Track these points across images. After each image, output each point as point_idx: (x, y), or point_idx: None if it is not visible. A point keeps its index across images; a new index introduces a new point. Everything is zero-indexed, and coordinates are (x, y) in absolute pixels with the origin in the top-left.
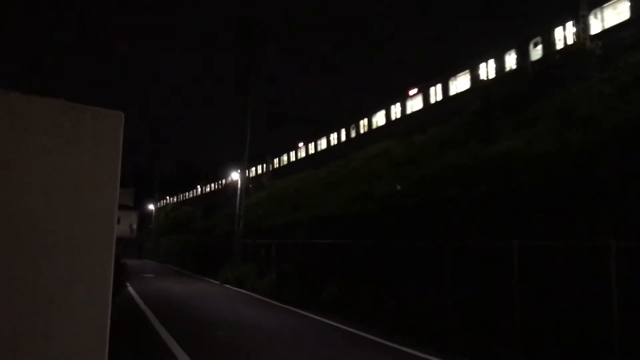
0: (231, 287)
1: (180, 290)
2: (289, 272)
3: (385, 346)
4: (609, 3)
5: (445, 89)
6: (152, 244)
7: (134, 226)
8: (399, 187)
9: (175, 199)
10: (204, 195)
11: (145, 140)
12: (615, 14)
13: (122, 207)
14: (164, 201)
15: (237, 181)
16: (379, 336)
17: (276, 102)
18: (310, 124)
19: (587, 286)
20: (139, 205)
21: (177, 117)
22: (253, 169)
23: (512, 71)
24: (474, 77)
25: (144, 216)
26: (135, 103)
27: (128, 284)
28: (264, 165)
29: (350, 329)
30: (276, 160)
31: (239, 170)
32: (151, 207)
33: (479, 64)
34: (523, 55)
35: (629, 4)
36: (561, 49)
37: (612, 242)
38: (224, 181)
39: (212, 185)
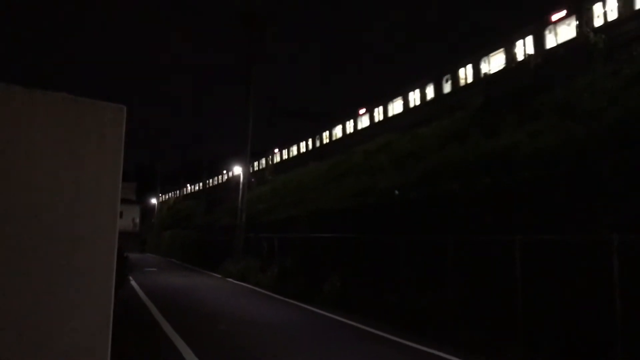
0: (233, 281)
1: (183, 284)
2: (291, 266)
3: (387, 339)
4: None
5: (385, 111)
6: (154, 238)
7: (137, 220)
8: (397, 192)
9: (177, 193)
10: (206, 189)
11: (147, 134)
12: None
13: (124, 201)
14: (166, 195)
15: (239, 175)
16: (381, 330)
17: (278, 96)
18: (312, 119)
19: (589, 280)
20: (142, 200)
21: (180, 112)
22: (256, 162)
23: (430, 100)
24: (405, 103)
25: (147, 210)
26: (138, 97)
27: (131, 278)
28: (267, 159)
29: (353, 323)
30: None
31: (241, 164)
32: (153, 201)
33: (409, 92)
34: (438, 88)
35: None
36: (464, 85)
37: (615, 235)
38: (226, 175)
39: (215, 179)
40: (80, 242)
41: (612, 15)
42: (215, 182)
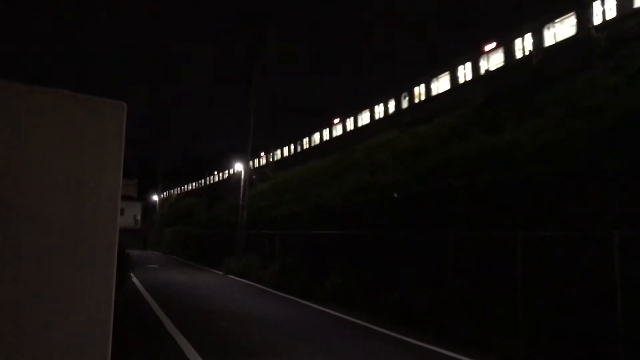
0: (235, 278)
1: (184, 281)
2: (293, 263)
3: (388, 336)
4: None
5: (355, 121)
6: (155, 235)
7: (138, 217)
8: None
9: (178, 190)
10: (207, 186)
11: (148, 131)
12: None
13: (125, 198)
14: (168, 192)
15: (240, 172)
16: (382, 326)
17: (279, 93)
18: (314, 116)
19: (590, 276)
20: (143, 197)
21: (181, 108)
22: (257, 159)
23: (392, 113)
24: (372, 115)
25: (148, 207)
26: (139, 94)
27: (132, 275)
28: (268, 156)
29: (354, 320)
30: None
31: (242, 161)
32: (155, 198)
33: (374, 106)
34: (398, 103)
35: None
36: (418, 102)
37: (616, 232)
38: (227, 172)
39: (216, 176)
40: (81, 239)
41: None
42: (217, 179)
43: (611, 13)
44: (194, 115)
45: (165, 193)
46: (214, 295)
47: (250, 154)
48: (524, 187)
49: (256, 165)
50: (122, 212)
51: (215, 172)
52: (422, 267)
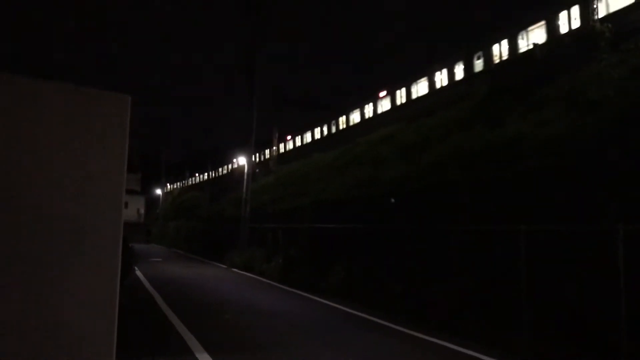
0: (238, 271)
1: (188, 274)
2: (296, 257)
3: (391, 329)
4: None
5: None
6: (159, 229)
7: (142, 211)
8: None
9: (182, 184)
10: (211, 180)
11: (152, 125)
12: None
13: (129, 192)
14: (171, 186)
15: (243, 166)
16: (385, 320)
17: (283, 86)
18: (316, 109)
19: (594, 270)
20: (147, 191)
21: (185, 102)
22: (261, 153)
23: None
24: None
25: (152, 201)
26: (143, 88)
27: (136, 268)
28: (271, 150)
29: (357, 313)
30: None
31: (245, 155)
32: (158, 192)
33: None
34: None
35: None
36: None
37: (620, 225)
38: (231, 166)
39: (219, 170)
40: (86, 232)
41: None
42: (220, 173)
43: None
44: (198, 109)
45: (168, 187)
46: (217, 289)
47: (253, 148)
48: (527, 181)
49: (263, 157)
50: (125, 205)
51: (219, 166)
52: (426, 260)
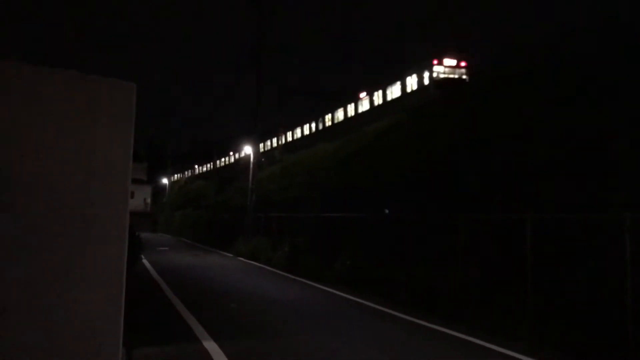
0: (244, 260)
1: (194, 263)
2: (302, 245)
3: (396, 317)
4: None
5: (293, 134)
6: (166, 218)
7: (148, 200)
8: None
9: (188, 173)
10: (217, 169)
11: (158, 114)
12: None
13: (136, 181)
14: (178, 175)
15: (250, 155)
16: (391, 308)
17: (289, 75)
18: (322, 98)
19: (600, 259)
20: (153, 180)
21: (191, 91)
22: (268, 142)
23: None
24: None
25: (158, 190)
26: (149, 77)
27: (142, 257)
28: (277, 139)
29: (363, 301)
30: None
31: (251, 144)
32: (165, 181)
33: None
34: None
35: None
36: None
37: (627, 214)
38: (236, 155)
39: (225, 159)
40: (92, 219)
41: None
42: (226, 162)
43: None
44: (205, 98)
45: (175, 176)
46: (223, 277)
47: (259, 137)
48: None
49: (267, 147)
50: (132, 195)
51: (225, 155)
52: (432, 250)
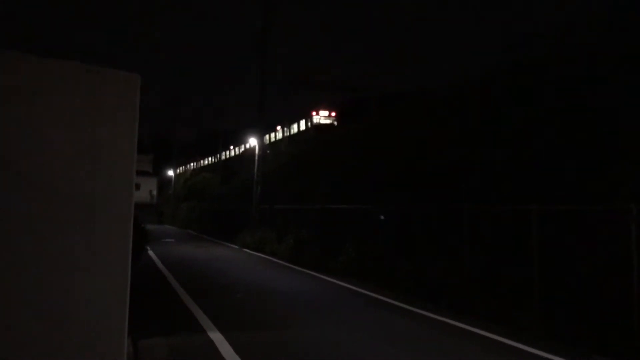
0: (250, 252)
1: (200, 254)
2: (307, 237)
3: (400, 308)
4: None
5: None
6: (171, 210)
7: (154, 192)
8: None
9: (194, 166)
10: (222, 161)
11: (164, 106)
12: None
13: (141, 173)
14: (183, 167)
15: (255, 147)
16: (397, 299)
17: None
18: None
19: (606, 250)
20: (158, 172)
21: (196, 83)
22: (273, 134)
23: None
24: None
25: (164, 182)
26: (154, 68)
27: (148, 248)
28: (283, 131)
29: (367, 292)
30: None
31: (256, 136)
32: (170, 173)
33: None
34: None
35: None
36: None
37: (633, 205)
38: (242, 147)
39: (231, 151)
40: (96, 210)
41: None
42: (232, 154)
43: None
44: (210, 90)
45: (180, 168)
46: (229, 268)
47: (265, 129)
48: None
49: (273, 138)
50: (138, 187)
51: (230, 147)
52: (437, 241)
